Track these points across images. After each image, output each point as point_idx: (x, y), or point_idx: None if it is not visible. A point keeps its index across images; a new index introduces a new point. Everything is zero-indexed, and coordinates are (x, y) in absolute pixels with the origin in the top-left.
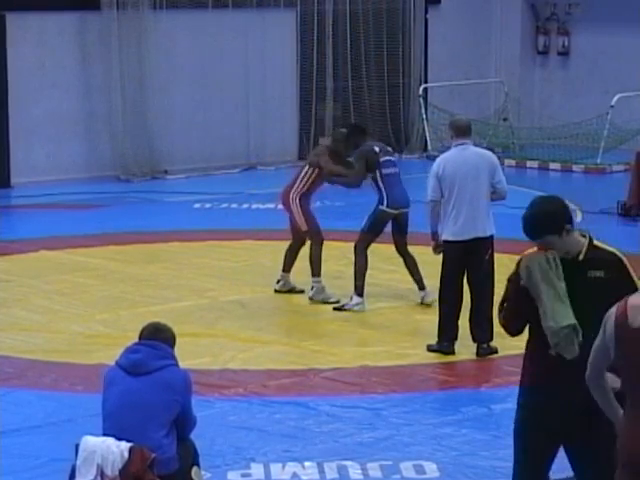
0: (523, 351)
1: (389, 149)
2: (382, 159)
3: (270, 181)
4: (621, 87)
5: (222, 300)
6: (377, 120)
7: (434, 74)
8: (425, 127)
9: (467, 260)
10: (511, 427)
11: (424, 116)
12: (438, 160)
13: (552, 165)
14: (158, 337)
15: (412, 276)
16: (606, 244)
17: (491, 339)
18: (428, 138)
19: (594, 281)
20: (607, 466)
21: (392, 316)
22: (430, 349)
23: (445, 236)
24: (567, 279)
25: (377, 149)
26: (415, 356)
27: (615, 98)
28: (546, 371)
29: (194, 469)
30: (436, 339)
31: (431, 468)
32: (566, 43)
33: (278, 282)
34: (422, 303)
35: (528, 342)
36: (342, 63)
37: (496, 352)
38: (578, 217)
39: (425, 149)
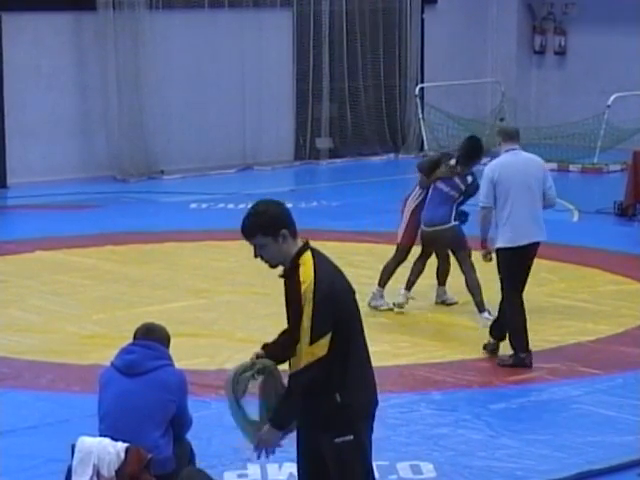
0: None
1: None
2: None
3: (266, 181)
4: (617, 87)
5: (218, 300)
6: (373, 120)
7: (430, 74)
8: (421, 127)
9: (521, 266)
10: (508, 427)
11: (420, 116)
12: (491, 165)
13: (549, 165)
14: (152, 337)
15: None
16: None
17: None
18: (424, 138)
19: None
20: None
21: (389, 316)
22: (504, 364)
23: (501, 243)
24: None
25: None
26: (412, 356)
27: (612, 98)
28: None
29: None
30: (511, 352)
31: (428, 468)
32: (563, 43)
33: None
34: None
35: None
36: (338, 63)
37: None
38: (575, 217)
39: (421, 149)
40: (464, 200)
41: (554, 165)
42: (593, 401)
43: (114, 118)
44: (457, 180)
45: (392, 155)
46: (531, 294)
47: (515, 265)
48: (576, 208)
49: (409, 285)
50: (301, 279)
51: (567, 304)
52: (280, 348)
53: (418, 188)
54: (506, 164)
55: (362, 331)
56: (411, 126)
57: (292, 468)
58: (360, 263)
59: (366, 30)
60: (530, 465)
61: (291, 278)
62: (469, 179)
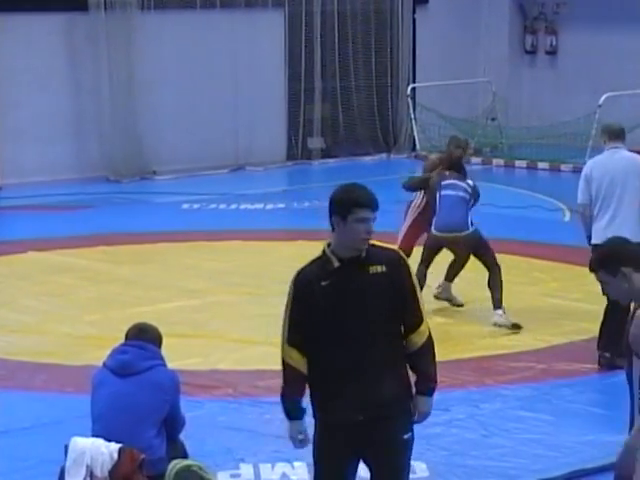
0: (510, 351)
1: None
2: (444, 182)
3: (259, 182)
4: (609, 86)
5: (211, 301)
6: (365, 120)
7: (422, 74)
8: (413, 127)
9: None
10: (501, 426)
11: (412, 116)
12: (588, 163)
13: (540, 164)
14: (144, 337)
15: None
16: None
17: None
18: (416, 138)
19: (375, 277)
20: None
21: None
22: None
23: (595, 240)
24: (352, 277)
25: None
26: None
27: (603, 97)
28: None
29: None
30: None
31: (421, 468)
32: (554, 42)
33: (438, 287)
34: (498, 326)
35: None
36: (330, 63)
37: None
38: (567, 216)
39: (413, 149)
40: (474, 204)
41: (546, 164)
42: (586, 400)
43: (107, 119)
44: (460, 183)
45: (384, 155)
46: (524, 293)
47: None
48: (568, 208)
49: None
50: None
51: (560, 303)
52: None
53: (420, 194)
54: (600, 162)
55: None
56: (403, 126)
57: (285, 468)
58: None
59: (358, 30)
60: (523, 464)
61: (395, 267)
62: (470, 182)
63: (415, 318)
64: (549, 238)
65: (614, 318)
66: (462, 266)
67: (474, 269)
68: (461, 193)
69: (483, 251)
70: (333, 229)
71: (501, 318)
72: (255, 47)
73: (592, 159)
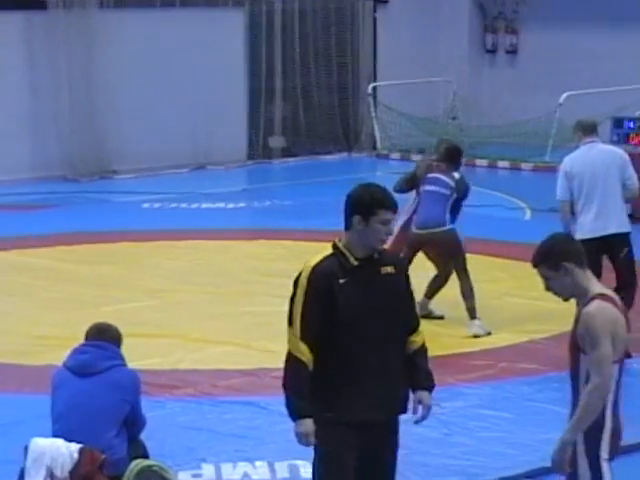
0: (471, 350)
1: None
2: (429, 175)
3: (219, 181)
4: (569, 85)
5: (172, 300)
6: (326, 119)
7: (383, 73)
8: (374, 126)
9: (611, 259)
10: (462, 425)
11: (373, 115)
12: (566, 159)
13: (501, 163)
14: (104, 337)
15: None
16: None
17: None
18: (377, 137)
19: (387, 277)
20: None
21: None
22: None
23: (579, 235)
24: (369, 277)
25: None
26: None
27: (563, 96)
28: None
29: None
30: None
31: None
32: (514, 41)
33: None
34: (477, 337)
35: None
36: (291, 62)
37: None
38: (527, 215)
39: (374, 147)
40: (458, 201)
41: (506, 163)
42: (546, 398)
43: (65, 118)
44: (444, 177)
45: (345, 154)
46: (483, 291)
47: (592, 257)
48: (528, 206)
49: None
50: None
51: (519, 302)
52: None
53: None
54: (579, 157)
55: None
56: (364, 125)
57: (246, 467)
58: None
59: (319, 29)
60: (484, 462)
61: (402, 269)
62: (456, 175)
63: (416, 319)
64: (509, 237)
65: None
66: (442, 283)
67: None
68: (442, 189)
69: (455, 254)
70: (348, 227)
71: (480, 329)
72: (215, 46)
73: (569, 156)
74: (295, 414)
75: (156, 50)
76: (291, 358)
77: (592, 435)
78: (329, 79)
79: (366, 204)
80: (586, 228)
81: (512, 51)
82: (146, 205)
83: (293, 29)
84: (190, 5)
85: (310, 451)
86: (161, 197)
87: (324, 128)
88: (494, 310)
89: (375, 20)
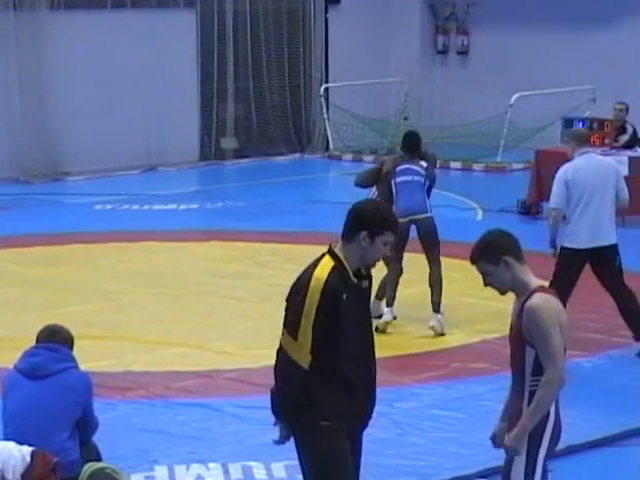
0: (424, 350)
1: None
2: (399, 168)
3: (171, 182)
4: (520, 86)
5: (125, 302)
6: (279, 120)
7: (335, 74)
8: (327, 127)
9: (597, 269)
10: (415, 425)
11: (325, 116)
12: (564, 168)
13: (453, 164)
14: (56, 339)
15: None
16: None
17: None
18: (330, 138)
19: (366, 291)
20: None
21: None
22: None
23: (567, 243)
24: (361, 291)
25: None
26: None
27: (514, 97)
28: None
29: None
30: None
31: None
32: (465, 42)
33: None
34: (433, 330)
35: None
36: (243, 63)
37: None
38: (479, 215)
39: (327, 148)
40: (429, 189)
41: (458, 164)
42: (499, 398)
43: (17, 119)
44: (413, 166)
45: (297, 155)
46: None
47: (574, 266)
48: (480, 206)
49: (390, 301)
50: None
51: (473, 302)
52: None
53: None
54: (581, 167)
55: None
56: (316, 126)
57: (200, 469)
58: (267, 263)
59: (270, 30)
60: (438, 462)
61: (371, 282)
62: (423, 163)
63: None
64: (462, 237)
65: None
66: (437, 276)
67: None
68: (417, 177)
69: (432, 242)
70: (350, 240)
71: (438, 323)
72: (167, 47)
73: (567, 165)
74: (286, 415)
75: (108, 51)
76: (294, 367)
77: (535, 430)
78: (281, 80)
79: (377, 223)
80: (582, 237)
81: (463, 52)
82: (98, 207)
83: (245, 30)
84: (141, 6)
85: (263, 452)
86: (113, 199)
87: (276, 129)
88: (448, 310)
89: (327, 21)
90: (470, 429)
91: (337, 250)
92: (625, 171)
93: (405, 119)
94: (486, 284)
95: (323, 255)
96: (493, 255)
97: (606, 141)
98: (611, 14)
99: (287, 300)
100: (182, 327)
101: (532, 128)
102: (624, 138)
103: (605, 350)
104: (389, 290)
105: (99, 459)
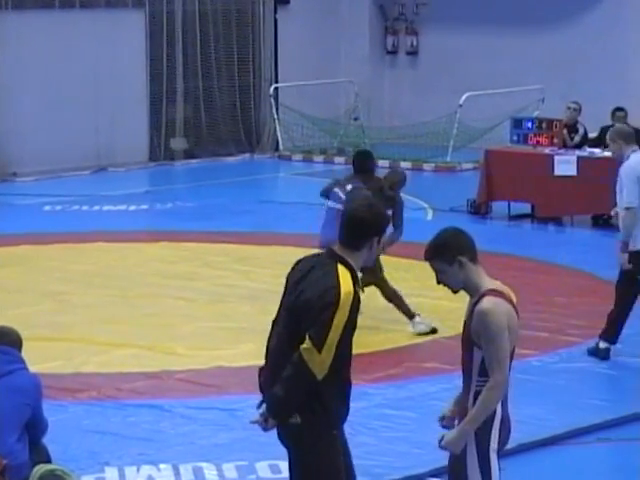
0: (376, 350)
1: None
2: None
3: (121, 182)
4: (469, 86)
5: (75, 303)
6: (228, 120)
7: (284, 74)
8: (277, 127)
9: None
10: (366, 425)
11: (275, 116)
12: (630, 165)
13: (403, 164)
14: (4, 341)
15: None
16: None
17: None
18: (279, 138)
19: None
20: None
21: (249, 317)
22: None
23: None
24: None
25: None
26: None
27: (463, 97)
28: None
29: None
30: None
31: (286, 467)
32: (414, 43)
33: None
34: (421, 333)
35: None
36: (192, 63)
37: None
38: (429, 215)
39: (277, 149)
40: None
41: (408, 164)
42: (450, 397)
43: None
44: (337, 189)
45: (247, 155)
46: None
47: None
48: (430, 206)
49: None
50: None
51: (422, 302)
52: None
53: None
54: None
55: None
56: (266, 126)
57: (151, 470)
58: (216, 264)
59: (219, 30)
60: (388, 462)
61: None
62: (348, 187)
63: None
64: (412, 237)
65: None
66: (392, 291)
67: None
68: (338, 205)
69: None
70: (360, 248)
71: (421, 325)
72: (116, 47)
73: (628, 163)
74: (286, 413)
75: (56, 51)
76: (309, 376)
77: (483, 424)
78: (230, 80)
79: (381, 225)
80: None
81: (413, 52)
82: (47, 208)
83: (194, 30)
84: (90, 6)
85: (215, 453)
86: (62, 199)
87: (226, 130)
88: (397, 310)
89: (276, 21)
90: (421, 428)
91: (348, 259)
92: (573, 171)
93: (355, 119)
94: (439, 282)
95: (334, 265)
96: (448, 254)
97: (555, 141)
98: (559, 15)
99: (299, 312)
100: (132, 328)
101: (481, 128)
102: (577, 138)
103: (555, 349)
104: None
105: (49, 461)
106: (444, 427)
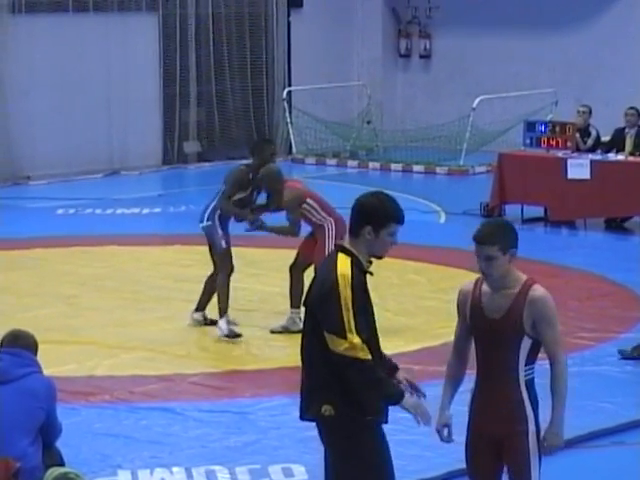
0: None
1: None
2: None
3: (134, 186)
4: (482, 89)
5: (87, 306)
6: (241, 124)
7: (298, 77)
8: (290, 130)
9: None
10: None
11: (288, 119)
12: None
13: (416, 167)
14: (19, 344)
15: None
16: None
17: None
18: (293, 141)
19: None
20: None
21: (260, 320)
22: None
23: None
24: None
25: None
26: (280, 359)
27: (476, 100)
28: None
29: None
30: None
31: (299, 470)
32: (428, 46)
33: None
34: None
35: None
36: (205, 67)
37: None
38: (442, 218)
39: (290, 152)
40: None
41: (421, 167)
42: (461, 400)
43: None
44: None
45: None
46: (399, 295)
47: None
48: (443, 210)
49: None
50: None
51: (434, 305)
52: None
53: None
54: None
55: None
56: (279, 129)
57: (163, 473)
58: None
59: (232, 34)
60: (400, 465)
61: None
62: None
63: None
64: (424, 240)
65: None
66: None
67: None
68: None
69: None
70: (356, 235)
71: (221, 331)
72: (129, 51)
73: None
74: (399, 397)
75: (69, 55)
76: (362, 363)
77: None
78: (244, 84)
79: (379, 216)
80: None
81: (426, 56)
82: (60, 211)
83: (207, 34)
84: (103, 10)
85: (227, 456)
86: (75, 203)
87: (239, 133)
88: (409, 313)
89: (289, 24)
90: (432, 432)
91: (347, 245)
92: (586, 174)
93: (368, 123)
94: (484, 269)
95: (336, 254)
96: (505, 244)
97: (568, 144)
98: (572, 17)
99: (312, 307)
100: (144, 331)
101: (494, 131)
102: (589, 141)
103: (567, 352)
104: None
105: (62, 464)
106: (444, 440)
